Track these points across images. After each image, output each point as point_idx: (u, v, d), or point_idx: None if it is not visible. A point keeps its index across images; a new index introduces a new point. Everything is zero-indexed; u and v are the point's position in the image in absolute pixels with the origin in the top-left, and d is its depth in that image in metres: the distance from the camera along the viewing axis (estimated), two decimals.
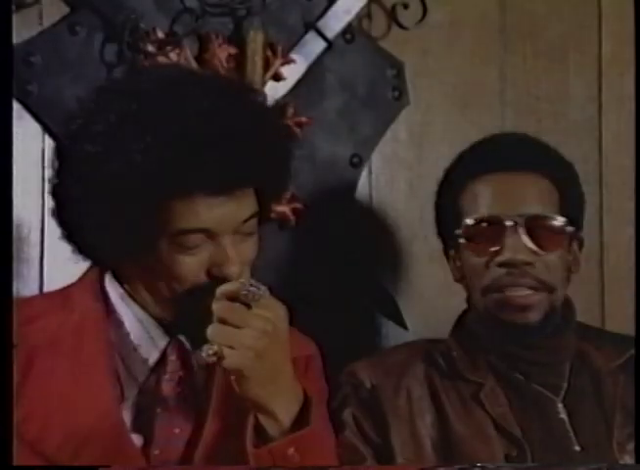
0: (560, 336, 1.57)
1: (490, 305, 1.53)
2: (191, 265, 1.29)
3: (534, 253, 1.51)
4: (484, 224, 1.53)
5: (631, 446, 1.51)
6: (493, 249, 1.51)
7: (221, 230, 1.30)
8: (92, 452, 1.27)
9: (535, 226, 1.52)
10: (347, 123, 1.91)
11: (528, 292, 1.51)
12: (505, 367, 1.55)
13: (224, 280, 1.28)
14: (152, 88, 1.29)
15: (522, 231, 1.50)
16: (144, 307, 1.35)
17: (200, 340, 1.24)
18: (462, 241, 1.56)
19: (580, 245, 1.63)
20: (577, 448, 1.50)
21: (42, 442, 1.27)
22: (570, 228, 1.55)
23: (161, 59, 1.73)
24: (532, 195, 1.54)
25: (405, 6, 1.93)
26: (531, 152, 1.58)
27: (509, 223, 1.50)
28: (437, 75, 2.00)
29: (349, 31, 1.90)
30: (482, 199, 1.54)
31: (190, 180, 1.25)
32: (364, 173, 1.94)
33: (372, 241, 1.93)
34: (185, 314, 1.31)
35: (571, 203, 1.58)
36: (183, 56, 1.75)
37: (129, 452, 1.30)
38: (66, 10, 1.73)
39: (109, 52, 1.73)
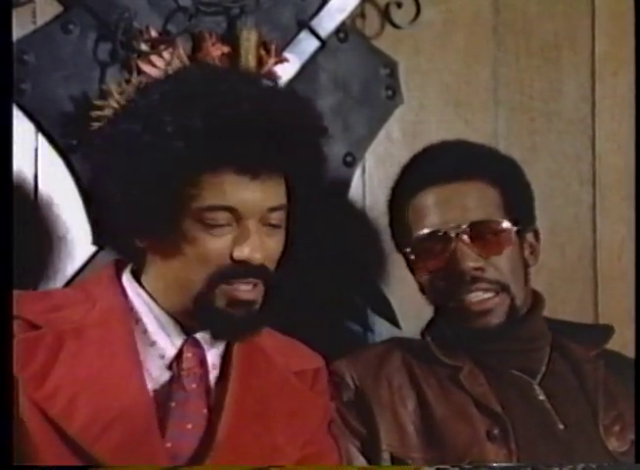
0: (527, 325, 1.60)
1: (453, 315, 1.57)
2: (216, 246, 1.33)
3: (482, 257, 1.54)
4: (431, 240, 1.56)
5: (617, 428, 1.54)
6: (443, 261, 1.55)
7: (247, 213, 1.33)
8: (117, 435, 1.28)
9: (479, 231, 1.55)
10: (341, 122, 1.91)
11: (485, 296, 1.54)
12: (481, 355, 1.58)
13: (246, 264, 1.32)
14: (196, 75, 1.39)
15: (466, 239, 1.53)
16: (160, 305, 1.38)
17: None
18: (412, 257, 1.60)
19: (537, 236, 1.66)
20: (561, 427, 1.53)
21: (67, 419, 1.27)
22: (514, 227, 1.57)
23: (155, 58, 1.73)
24: (473, 202, 1.57)
25: (399, 5, 1.93)
26: (468, 159, 1.61)
27: (453, 234, 1.54)
28: (431, 74, 2.00)
29: (343, 30, 1.90)
30: (426, 214, 1.57)
31: (220, 155, 1.30)
32: (358, 172, 1.94)
33: (365, 240, 1.93)
34: (206, 304, 1.34)
35: (516, 199, 1.60)
36: (176, 55, 1.74)
37: (152, 439, 1.31)
38: (59, 9, 1.73)
39: (102, 51, 1.73)
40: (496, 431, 1.51)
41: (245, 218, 1.33)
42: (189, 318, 1.38)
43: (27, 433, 1.26)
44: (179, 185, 1.30)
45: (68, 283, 1.70)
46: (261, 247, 1.34)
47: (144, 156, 1.30)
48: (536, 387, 1.57)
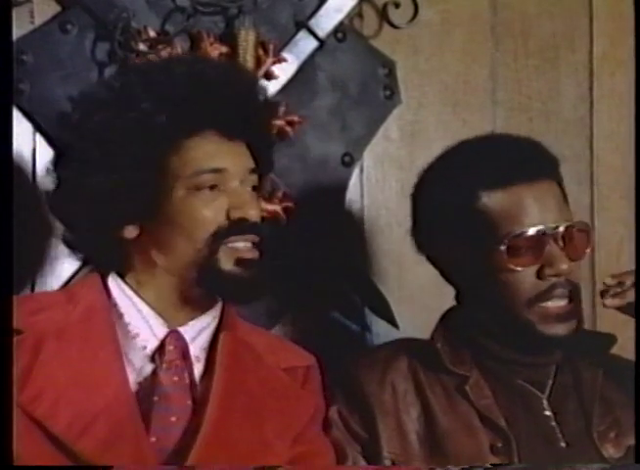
0: None
1: (533, 318, 1.50)
2: (211, 208, 1.37)
3: (572, 262, 1.50)
4: (531, 238, 1.49)
5: (613, 435, 1.53)
6: (538, 260, 1.49)
7: (235, 172, 1.39)
8: (100, 430, 1.29)
9: (571, 234, 1.51)
10: (339, 122, 1.91)
11: (563, 302, 1.50)
12: (491, 364, 1.55)
13: (244, 222, 1.38)
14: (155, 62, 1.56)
15: (561, 241, 1.49)
16: (144, 299, 1.40)
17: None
18: (502, 248, 1.50)
19: None
20: (563, 445, 1.51)
21: (51, 419, 1.29)
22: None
23: (153, 58, 1.73)
24: (559, 202, 1.53)
25: (396, 5, 1.93)
26: (542, 156, 1.56)
27: (550, 233, 1.49)
28: (429, 74, 2.00)
29: (341, 30, 1.90)
30: (524, 210, 1.50)
31: (204, 119, 1.38)
32: (356, 172, 1.94)
33: (363, 240, 1.94)
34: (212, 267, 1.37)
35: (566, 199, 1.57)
36: (174, 55, 1.74)
37: (136, 432, 1.32)
38: (57, 8, 1.74)
39: (100, 51, 1.74)
40: (500, 445, 1.49)
41: (231, 181, 1.39)
42: (175, 311, 1.41)
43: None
44: (162, 156, 1.36)
45: (66, 283, 1.70)
46: (255, 205, 1.41)
47: (122, 137, 1.35)
48: (545, 401, 1.55)
